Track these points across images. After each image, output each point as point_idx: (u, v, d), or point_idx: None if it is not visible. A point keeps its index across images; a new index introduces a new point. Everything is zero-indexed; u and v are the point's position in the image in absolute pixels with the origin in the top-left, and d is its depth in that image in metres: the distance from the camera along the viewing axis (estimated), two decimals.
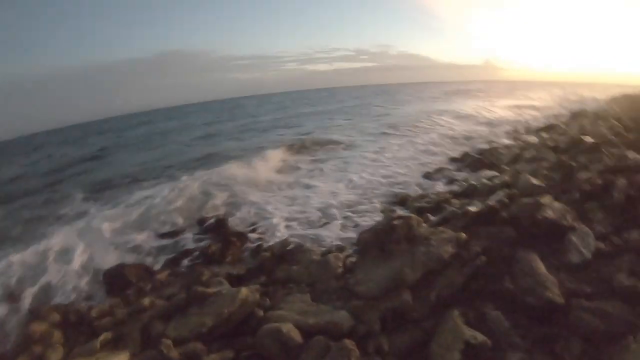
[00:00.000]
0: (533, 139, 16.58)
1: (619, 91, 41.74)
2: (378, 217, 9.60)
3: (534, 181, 8.05)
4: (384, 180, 13.65)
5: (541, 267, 5.03)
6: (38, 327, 5.87)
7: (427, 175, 13.90)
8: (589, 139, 11.80)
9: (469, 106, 39.91)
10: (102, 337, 5.50)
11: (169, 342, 4.90)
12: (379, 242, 5.67)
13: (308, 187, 13.59)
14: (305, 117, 41.44)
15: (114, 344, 5.46)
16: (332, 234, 9.03)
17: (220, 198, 12.63)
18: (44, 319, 6.23)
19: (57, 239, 9.70)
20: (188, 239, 9.90)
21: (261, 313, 5.47)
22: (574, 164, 9.09)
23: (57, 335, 5.85)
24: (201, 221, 10.92)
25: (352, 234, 8.46)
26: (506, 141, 18.68)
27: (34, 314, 6.60)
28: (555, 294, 4.56)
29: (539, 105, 38.89)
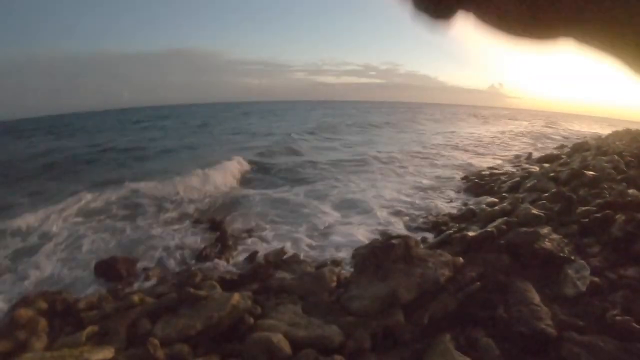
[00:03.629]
0: (535, 168, 16.60)
1: (622, 125, 42.03)
2: (373, 234, 9.62)
3: (534, 211, 8.05)
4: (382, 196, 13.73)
5: (535, 297, 5.03)
6: (24, 313, 5.82)
7: (426, 196, 13.94)
8: (590, 173, 11.80)
9: (472, 130, 40.29)
10: (88, 330, 5.45)
11: (156, 341, 4.87)
12: (375, 259, 5.66)
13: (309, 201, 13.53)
14: None
15: (100, 338, 5.41)
16: (329, 247, 9.05)
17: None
18: (31, 305, 6.19)
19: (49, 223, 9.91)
20: (184, 237, 9.92)
21: (251, 320, 5.42)
22: (574, 196, 9.09)
23: (43, 323, 5.80)
24: (198, 222, 10.92)
25: (349, 249, 8.41)
26: (508, 168, 18.75)
27: (22, 299, 6.58)
28: (548, 325, 4.54)
29: (541, 134, 39.19)
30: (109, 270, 7.90)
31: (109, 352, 4.80)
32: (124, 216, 11.62)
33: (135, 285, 7.57)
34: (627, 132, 34.30)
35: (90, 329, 5.51)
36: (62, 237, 9.89)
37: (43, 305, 6.26)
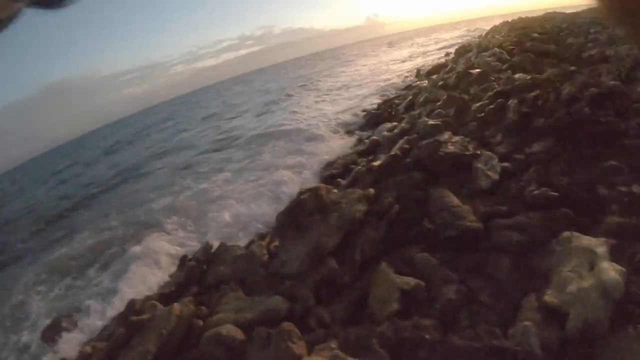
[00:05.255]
0: (424, 83, 16.93)
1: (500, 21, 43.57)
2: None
3: (431, 122, 8.19)
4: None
5: (454, 199, 5.15)
6: None
7: (329, 141, 14.04)
8: (476, 71, 12.13)
9: (356, 67, 40.83)
10: None
11: None
12: (292, 219, 5.64)
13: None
14: None
15: None
16: (251, 224, 9.00)
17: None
18: None
19: None
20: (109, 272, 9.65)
21: (200, 322, 5.33)
22: (465, 96, 9.31)
23: None
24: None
25: (271, 216, 8.38)
26: (399, 91, 19.04)
27: None
28: (472, 220, 4.66)
29: (424, 50, 40.11)
30: (56, 332, 7.67)
31: None
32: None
33: (86, 336, 7.34)
34: (505, 24, 35.57)
35: None
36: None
37: None
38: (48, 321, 8.28)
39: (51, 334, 7.73)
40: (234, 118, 31.78)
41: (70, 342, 7.26)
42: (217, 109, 47.17)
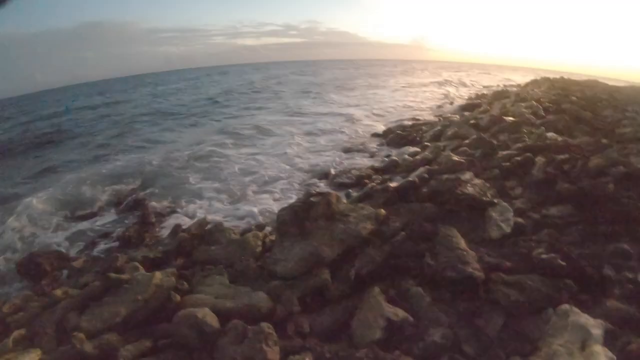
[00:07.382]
0: (455, 117, 16.89)
1: (539, 75, 43.50)
2: (298, 194, 9.50)
3: (455, 157, 8.11)
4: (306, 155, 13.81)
5: (461, 242, 5.03)
6: None
7: (349, 151, 14.04)
8: (509, 118, 12.06)
9: (395, 84, 40.74)
10: (14, 335, 5.09)
11: (81, 335, 4.57)
12: (297, 220, 5.51)
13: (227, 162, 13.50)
14: None
15: (29, 341, 5.07)
16: (252, 212, 8.92)
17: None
18: None
19: None
20: (106, 222, 9.53)
21: (178, 298, 5.18)
22: (495, 141, 9.23)
23: None
24: (119, 202, 10.59)
25: (273, 211, 8.33)
26: (430, 118, 18.97)
27: None
28: (475, 268, 4.54)
29: (463, 85, 40.06)
30: (32, 267, 7.47)
31: (35, 355, 4.49)
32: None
33: (61, 279, 7.18)
34: (545, 80, 35.50)
35: (16, 333, 5.13)
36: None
37: None
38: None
39: (25, 269, 7.59)
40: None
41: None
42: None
